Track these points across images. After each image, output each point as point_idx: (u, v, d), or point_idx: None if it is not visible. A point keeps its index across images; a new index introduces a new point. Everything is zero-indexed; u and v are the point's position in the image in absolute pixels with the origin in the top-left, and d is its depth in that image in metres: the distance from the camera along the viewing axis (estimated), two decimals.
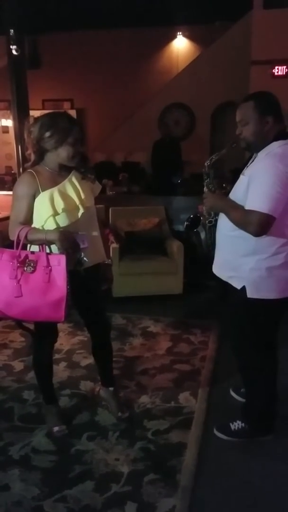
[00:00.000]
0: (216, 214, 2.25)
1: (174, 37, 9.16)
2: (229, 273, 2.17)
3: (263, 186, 1.91)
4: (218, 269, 2.26)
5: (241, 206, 1.99)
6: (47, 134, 2.03)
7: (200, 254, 2.37)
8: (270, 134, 2.01)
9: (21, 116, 6.07)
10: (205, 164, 2.25)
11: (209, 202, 2.20)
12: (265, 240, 1.99)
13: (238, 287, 2.11)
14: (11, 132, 8.05)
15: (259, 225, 1.91)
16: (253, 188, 1.94)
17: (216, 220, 2.25)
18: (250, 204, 1.94)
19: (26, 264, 1.99)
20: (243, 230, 1.99)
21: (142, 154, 8.01)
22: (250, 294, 2.07)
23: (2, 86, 6.80)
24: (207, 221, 2.30)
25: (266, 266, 2.03)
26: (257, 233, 1.94)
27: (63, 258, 1.97)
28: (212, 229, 2.28)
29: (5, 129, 8.80)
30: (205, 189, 2.25)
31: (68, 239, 1.99)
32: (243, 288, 2.08)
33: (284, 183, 1.88)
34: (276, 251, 2.01)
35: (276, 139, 1.99)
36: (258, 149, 2.05)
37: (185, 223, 2.40)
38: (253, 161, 2.09)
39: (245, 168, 2.11)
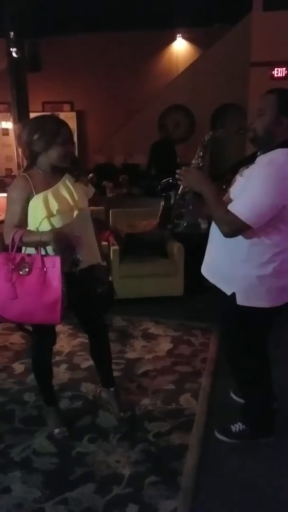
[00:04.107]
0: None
1: (174, 39, 9.19)
2: (219, 277, 2.13)
3: (253, 194, 1.88)
4: (207, 271, 2.21)
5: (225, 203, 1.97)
6: (36, 136, 2.04)
7: (161, 218, 2.14)
8: (279, 136, 1.93)
9: (21, 118, 6.09)
10: (206, 137, 2.08)
11: (190, 177, 2.02)
12: (258, 247, 1.97)
13: (228, 293, 2.07)
14: (11, 135, 8.08)
15: (231, 228, 1.91)
16: (244, 192, 1.92)
17: (191, 197, 2.08)
18: (234, 205, 1.91)
19: (21, 267, 2.00)
20: (215, 223, 1.98)
21: (142, 156, 8.03)
22: (240, 301, 2.04)
23: (2, 88, 6.83)
24: (179, 192, 2.09)
25: (257, 274, 1.99)
26: (227, 235, 1.95)
27: (58, 260, 1.97)
28: (181, 202, 2.08)
29: (5, 132, 8.84)
30: (193, 161, 2.08)
31: (63, 240, 1.99)
32: (233, 294, 2.05)
33: (275, 196, 1.84)
34: (269, 260, 1.97)
35: (283, 145, 1.92)
36: (262, 147, 1.99)
37: (161, 183, 2.14)
38: (253, 163, 2.04)
39: (245, 169, 2.06)
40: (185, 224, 2.12)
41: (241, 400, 2.60)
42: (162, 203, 2.14)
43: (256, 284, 2.00)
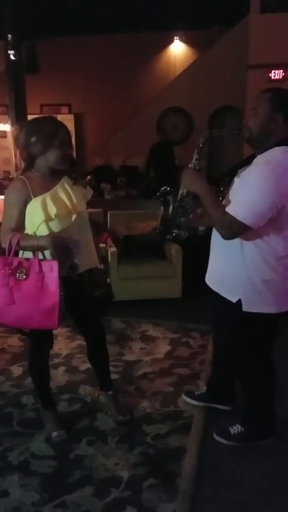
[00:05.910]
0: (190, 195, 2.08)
1: (171, 41, 9.21)
2: (223, 285, 2.11)
3: (250, 195, 1.86)
4: (211, 280, 2.20)
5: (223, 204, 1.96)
6: (33, 139, 2.02)
7: (161, 227, 2.16)
8: (274, 135, 1.91)
9: (19, 120, 6.10)
10: (201, 139, 2.07)
11: (187, 180, 2.03)
12: (263, 252, 1.95)
13: (234, 300, 2.04)
14: (9, 137, 8.08)
15: (229, 230, 1.91)
16: (241, 192, 1.90)
17: (190, 205, 2.07)
18: (231, 207, 1.89)
19: (19, 271, 1.98)
20: (213, 226, 1.98)
21: (140, 158, 8.04)
22: (246, 307, 2.01)
23: (0, 90, 6.83)
24: (178, 198, 2.09)
25: (263, 279, 1.97)
26: (226, 238, 1.94)
27: (55, 265, 1.96)
28: (180, 209, 2.09)
29: (3, 134, 8.83)
30: (190, 164, 2.08)
31: (61, 245, 1.98)
32: (239, 301, 2.02)
33: (272, 195, 1.82)
34: (274, 264, 1.96)
35: (280, 143, 1.90)
36: (258, 146, 1.97)
37: (160, 190, 2.13)
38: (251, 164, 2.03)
39: (242, 170, 2.04)
40: (186, 235, 2.13)
41: (194, 402, 2.61)
42: (161, 212, 2.13)
43: (262, 289, 1.98)
